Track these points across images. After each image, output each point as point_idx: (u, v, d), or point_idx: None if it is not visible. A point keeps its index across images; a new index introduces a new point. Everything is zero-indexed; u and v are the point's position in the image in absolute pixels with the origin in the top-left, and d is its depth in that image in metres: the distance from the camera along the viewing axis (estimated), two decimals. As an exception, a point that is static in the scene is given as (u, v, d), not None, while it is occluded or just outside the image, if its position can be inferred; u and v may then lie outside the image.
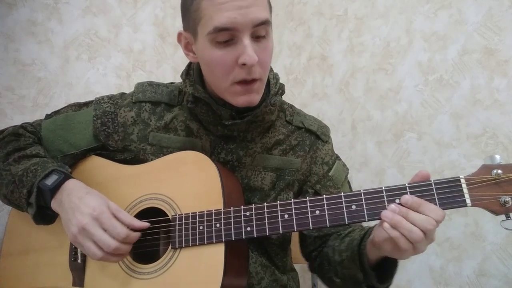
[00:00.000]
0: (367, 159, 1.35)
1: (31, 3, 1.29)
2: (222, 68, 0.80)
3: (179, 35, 0.88)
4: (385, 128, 1.31)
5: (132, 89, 1.00)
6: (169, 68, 1.60)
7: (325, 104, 1.52)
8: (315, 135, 0.97)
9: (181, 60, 1.64)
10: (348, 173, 1.00)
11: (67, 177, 0.85)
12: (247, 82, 0.81)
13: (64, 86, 1.33)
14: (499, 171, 0.67)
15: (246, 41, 0.78)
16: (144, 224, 0.81)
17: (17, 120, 1.22)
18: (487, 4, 1.11)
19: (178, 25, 1.64)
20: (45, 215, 0.85)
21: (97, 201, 0.79)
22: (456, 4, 1.18)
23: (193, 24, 0.82)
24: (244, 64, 0.78)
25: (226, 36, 0.78)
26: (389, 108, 1.31)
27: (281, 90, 0.94)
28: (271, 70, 0.93)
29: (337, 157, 1.00)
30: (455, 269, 1.10)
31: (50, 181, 0.82)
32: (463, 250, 1.10)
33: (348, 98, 1.44)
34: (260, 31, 0.80)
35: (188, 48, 0.88)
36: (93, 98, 1.03)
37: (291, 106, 1.01)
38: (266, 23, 0.80)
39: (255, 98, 0.83)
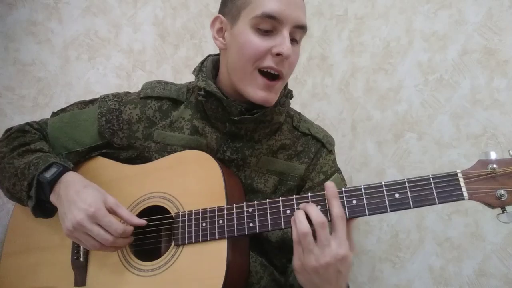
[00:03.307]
0: (367, 159, 1.35)
1: (31, 3, 1.29)
2: (254, 51, 0.82)
3: (216, 18, 0.90)
4: (385, 128, 1.31)
5: (133, 89, 1.00)
6: (169, 68, 1.60)
7: (325, 104, 1.52)
8: (321, 143, 0.98)
9: (181, 60, 1.64)
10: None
11: (65, 169, 0.85)
12: (269, 78, 0.83)
13: (64, 86, 1.33)
14: (495, 166, 0.69)
15: (286, 34, 0.82)
16: (141, 221, 0.82)
17: (17, 120, 1.22)
18: (487, 4, 1.11)
19: (178, 25, 1.65)
20: (45, 209, 0.86)
21: (94, 196, 0.80)
22: (456, 4, 1.18)
23: (237, 9, 0.85)
24: (278, 54, 0.81)
25: (269, 25, 0.82)
26: (389, 108, 1.31)
27: (290, 93, 0.96)
28: None
29: (338, 170, 1.01)
30: (455, 269, 1.11)
31: (49, 173, 0.83)
32: (463, 250, 1.10)
33: (348, 98, 1.44)
34: (296, 34, 0.86)
35: (219, 33, 0.90)
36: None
37: (299, 113, 1.03)
38: (304, 28, 0.86)
39: (273, 98, 0.85)
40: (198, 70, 0.94)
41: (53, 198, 0.83)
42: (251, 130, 0.90)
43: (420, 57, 1.25)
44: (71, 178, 0.83)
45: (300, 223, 0.70)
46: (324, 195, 0.75)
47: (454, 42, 1.17)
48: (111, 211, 0.80)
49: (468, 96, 1.13)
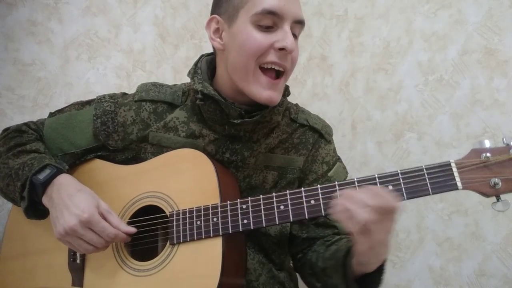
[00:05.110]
0: (367, 159, 1.35)
1: (31, 3, 1.30)
2: (257, 47, 0.81)
3: (211, 19, 0.88)
4: (385, 128, 1.31)
5: (132, 90, 1.00)
6: (169, 68, 1.60)
7: (325, 104, 1.52)
8: (319, 133, 0.97)
9: (181, 60, 1.64)
10: (347, 176, 1.00)
11: (59, 171, 0.84)
12: (273, 77, 0.83)
13: (64, 86, 1.34)
14: (488, 154, 0.69)
15: (288, 28, 0.82)
16: (131, 229, 0.82)
17: (17, 120, 1.22)
18: (487, 4, 1.11)
19: (178, 25, 1.65)
20: (37, 210, 0.85)
21: (87, 201, 0.79)
22: (456, 4, 1.18)
23: (234, 8, 0.84)
24: (281, 49, 0.81)
25: (270, 21, 0.82)
26: (389, 108, 1.31)
27: (287, 91, 0.95)
28: None
29: (338, 159, 1.00)
30: (455, 269, 1.10)
31: (43, 175, 0.83)
32: (463, 250, 1.10)
33: (348, 98, 1.44)
34: (296, 29, 0.86)
35: (216, 34, 0.88)
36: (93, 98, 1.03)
37: (296, 105, 1.02)
38: (302, 23, 0.86)
39: (278, 97, 0.85)
40: (193, 73, 0.92)
41: (45, 200, 0.82)
42: (250, 131, 0.90)
43: (420, 57, 1.25)
44: (64, 181, 0.83)
45: (359, 214, 0.64)
46: (317, 189, 0.75)
47: (454, 42, 1.17)
48: (103, 217, 0.80)
49: (468, 96, 1.13)
